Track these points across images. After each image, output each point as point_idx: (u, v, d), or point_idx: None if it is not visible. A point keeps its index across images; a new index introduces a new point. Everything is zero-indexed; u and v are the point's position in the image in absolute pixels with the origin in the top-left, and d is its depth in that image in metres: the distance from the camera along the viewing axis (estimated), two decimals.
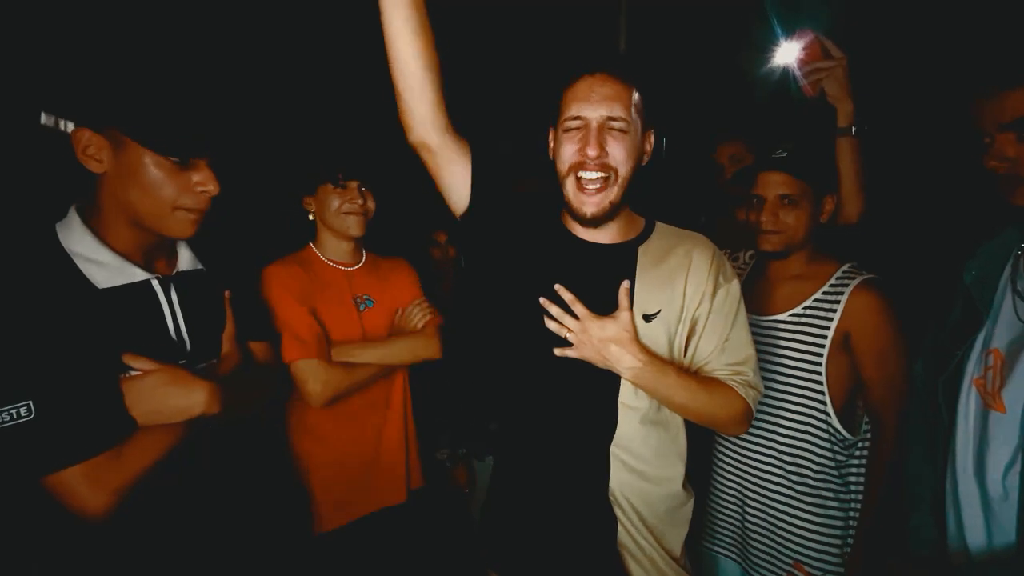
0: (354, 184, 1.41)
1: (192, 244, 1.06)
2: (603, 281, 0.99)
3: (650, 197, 1.19)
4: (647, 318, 1.01)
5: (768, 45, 1.51)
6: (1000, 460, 0.93)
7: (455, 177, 1.05)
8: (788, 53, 1.40)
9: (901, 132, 1.78)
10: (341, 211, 1.41)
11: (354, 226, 1.42)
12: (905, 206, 1.76)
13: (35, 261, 0.85)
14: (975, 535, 0.98)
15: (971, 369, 1.01)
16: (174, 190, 0.89)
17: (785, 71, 1.42)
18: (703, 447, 1.49)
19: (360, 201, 1.41)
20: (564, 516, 1.06)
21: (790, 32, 1.39)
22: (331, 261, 1.48)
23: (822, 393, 1.27)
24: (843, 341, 1.25)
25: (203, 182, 0.92)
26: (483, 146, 1.06)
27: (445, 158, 1.04)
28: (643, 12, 2.18)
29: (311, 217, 1.47)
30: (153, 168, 0.87)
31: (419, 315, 1.49)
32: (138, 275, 0.93)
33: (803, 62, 1.35)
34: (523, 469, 1.11)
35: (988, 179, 0.93)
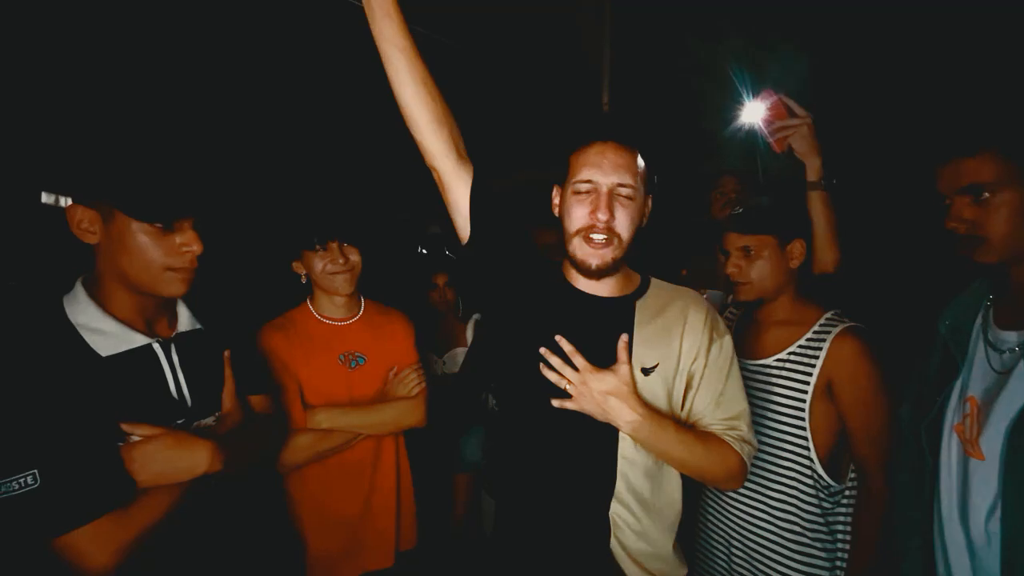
0: (334, 244, 1.42)
1: (191, 305, 1.10)
2: (602, 334, 1.01)
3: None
4: (645, 371, 1.03)
5: (736, 104, 1.60)
6: (982, 506, 0.95)
7: (459, 200, 1.09)
8: (754, 112, 1.47)
9: (880, 187, 1.87)
10: (326, 272, 1.42)
11: (342, 284, 1.43)
12: (885, 256, 1.82)
13: (41, 335, 0.89)
14: None
15: (951, 416, 1.04)
16: (161, 253, 0.94)
17: (753, 129, 1.49)
18: (689, 492, 1.50)
19: (341, 260, 1.41)
20: (563, 568, 1.06)
21: (756, 93, 1.47)
22: (324, 317, 1.48)
23: (805, 439, 1.28)
24: (826, 388, 1.27)
25: (187, 243, 0.96)
26: (482, 176, 1.10)
27: (450, 183, 1.08)
28: (626, 61, 2.30)
29: (303, 280, 1.48)
30: (140, 235, 0.92)
31: (414, 381, 1.47)
32: (138, 340, 0.96)
33: (769, 121, 1.43)
34: (524, 519, 1.10)
35: (952, 238, 0.99)
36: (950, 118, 1.00)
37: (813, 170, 1.42)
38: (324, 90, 2.77)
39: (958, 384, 1.04)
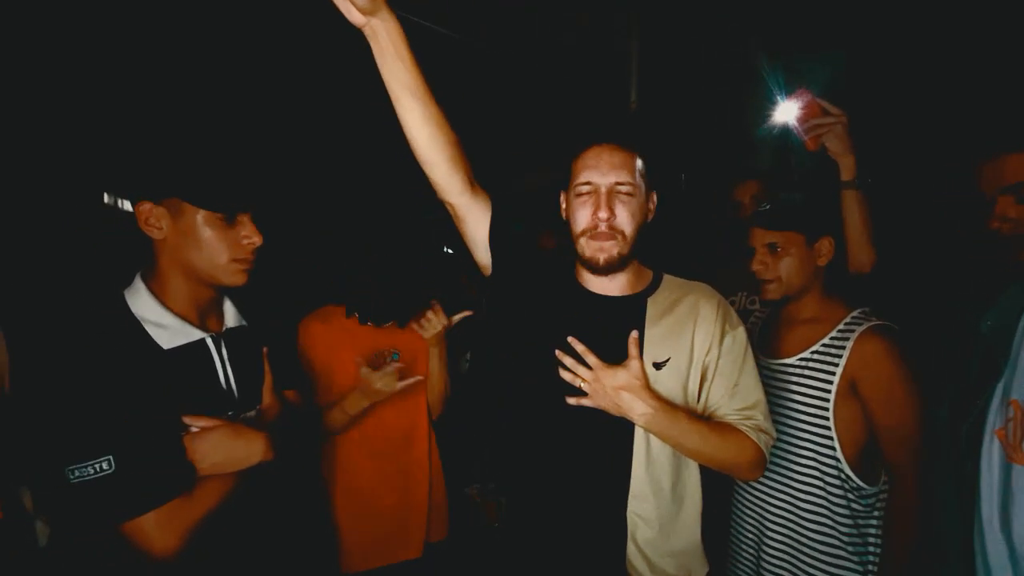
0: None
1: (233, 301, 1.16)
2: (614, 332, 1.04)
3: (665, 241, 1.24)
4: (657, 366, 1.05)
5: (769, 101, 1.57)
6: None
7: (477, 234, 1.14)
8: (788, 111, 1.44)
9: (915, 186, 1.81)
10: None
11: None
12: (920, 255, 1.77)
13: (110, 328, 0.95)
14: None
15: (992, 419, 1.01)
16: (226, 245, 1.00)
17: (787, 127, 1.47)
18: (723, 490, 1.50)
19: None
20: (582, 563, 1.08)
21: (789, 91, 1.45)
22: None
23: (831, 439, 1.25)
24: (850, 387, 1.24)
25: (249, 235, 1.03)
26: (501, 209, 1.14)
27: (467, 216, 1.13)
28: (654, 61, 2.29)
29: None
30: (206, 228, 0.98)
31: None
32: (195, 335, 1.02)
33: (802, 119, 1.40)
34: (541, 516, 1.12)
35: (993, 237, 0.97)
36: (994, 115, 0.97)
37: (847, 169, 1.39)
38: (355, 90, 2.86)
39: (1000, 387, 1.02)
